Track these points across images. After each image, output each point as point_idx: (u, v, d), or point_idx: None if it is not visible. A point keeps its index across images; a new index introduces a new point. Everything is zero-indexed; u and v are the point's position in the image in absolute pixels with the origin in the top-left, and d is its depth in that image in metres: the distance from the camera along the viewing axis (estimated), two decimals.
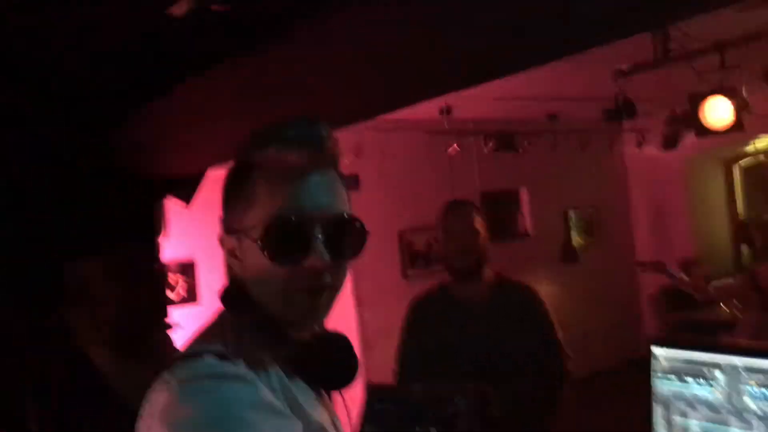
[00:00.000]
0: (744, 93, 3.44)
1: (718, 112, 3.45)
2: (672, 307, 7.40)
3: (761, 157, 7.75)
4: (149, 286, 2.54)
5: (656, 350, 1.51)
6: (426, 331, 2.41)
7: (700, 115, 3.50)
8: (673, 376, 1.48)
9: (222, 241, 1.06)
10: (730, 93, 3.42)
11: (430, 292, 2.52)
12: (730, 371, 1.37)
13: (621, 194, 8.29)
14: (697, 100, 3.53)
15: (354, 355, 1.06)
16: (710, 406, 1.39)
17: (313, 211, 0.99)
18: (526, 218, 7.41)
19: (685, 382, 1.45)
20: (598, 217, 7.96)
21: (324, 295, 1.02)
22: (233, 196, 1.04)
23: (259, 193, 1.00)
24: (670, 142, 7.33)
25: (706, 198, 8.07)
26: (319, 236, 0.98)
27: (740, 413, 1.34)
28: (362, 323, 5.95)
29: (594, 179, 7.85)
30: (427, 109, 5.73)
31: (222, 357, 0.92)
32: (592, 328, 7.09)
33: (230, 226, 1.04)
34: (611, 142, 7.23)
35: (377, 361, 2.50)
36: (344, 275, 1.05)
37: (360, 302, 5.97)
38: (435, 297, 2.48)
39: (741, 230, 7.58)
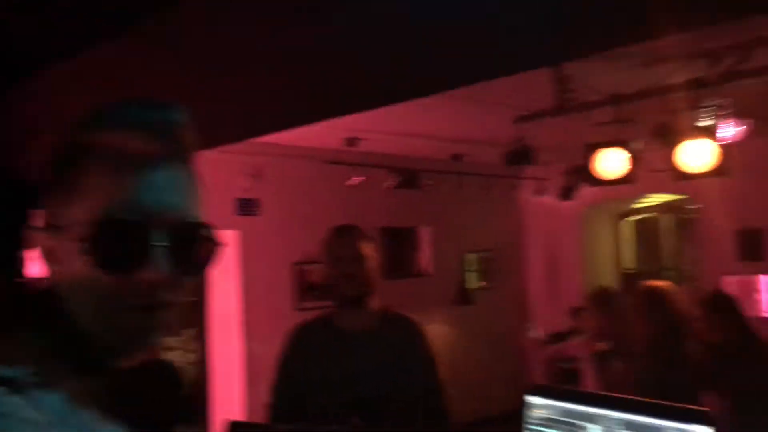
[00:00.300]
0: (636, 147, 3.53)
1: (610, 163, 3.52)
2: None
3: (649, 213, 8.10)
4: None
5: (530, 399, 1.43)
6: (306, 361, 2.26)
7: (593, 165, 3.56)
8: (545, 429, 1.39)
9: (36, 240, 0.85)
10: (623, 146, 3.50)
11: (312, 320, 2.38)
12: (608, 427, 1.30)
13: (518, 241, 8.44)
14: (591, 150, 3.59)
15: (181, 390, 0.89)
16: None
17: (155, 212, 0.81)
18: (425, 257, 7.39)
19: None
20: (495, 262, 8.06)
21: (159, 315, 0.83)
22: (55, 184, 0.85)
23: (88, 183, 0.81)
24: (567, 193, 7.56)
25: (597, 249, 8.33)
26: (160, 243, 0.80)
27: None
28: (250, 356, 5.69)
29: (493, 224, 7.96)
30: (331, 139, 5.64)
31: (9, 387, 0.73)
32: (482, 372, 7.11)
33: (49, 222, 0.85)
34: (512, 188, 7.36)
35: (264, 396, 2.32)
36: (185, 292, 0.87)
37: (249, 334, 5.73)
38: (317, 325, 2.34)
39: (627, 282, 7.85)
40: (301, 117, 2.01)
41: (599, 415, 1.30)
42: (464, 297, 7.54)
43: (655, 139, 3.40)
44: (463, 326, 7.44)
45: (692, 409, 1.17)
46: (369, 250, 2.26)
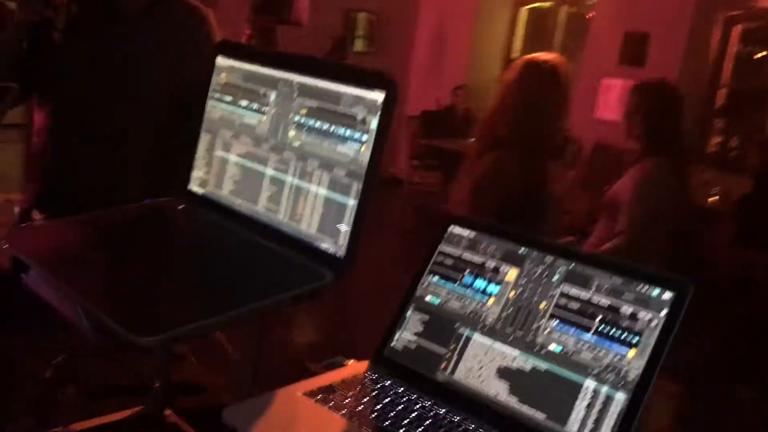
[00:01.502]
0: None
1: None
2: (428, 133, 7.45)
3: (548, 4, 7.72)
4: None
5: (220, 61, 1.13)
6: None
7: None
8: (228, 96, 1.11)
9: None
10: None
11: None
12: (285, 93, 1.02)
13: (410, 7, 7.92)
14: None
15: None
16: (255, 137, 1.05)
17: None
18: (303, 4, 6.78)
19: (238, 105, 1.08)
20: (380, 26, 7.59)
21: None
22: None
23: None
24: None
25: (489, 32, 7.99)
26: None
27: (281, 150, 1.01)
28: None
29: None
30: None
31: None
32: None
33: None
34: None
35: None
36: None
37: None
38: None
39: None
40: None
41: (279, 79, 1.02)
42: (338, 56, 7.12)
43: None
44: None
45: (368, 72, 0.91)
46: None
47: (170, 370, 1.12)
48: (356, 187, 0.91)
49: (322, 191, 0.95)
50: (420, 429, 0.75)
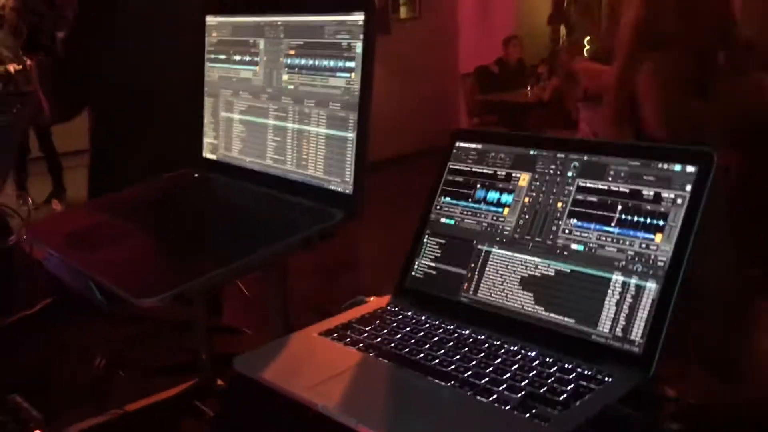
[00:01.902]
0: None
1: None
2: (484, 88, 7.27)
3: None
4: None
5: (209, 20, 1.10)
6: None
7: None
8: (222, 54, 1.08)
9: None
10: None
11: None
12: (272, 37, 0.98)
13: None
14: None
15: None
16: (252, 90, 1.02)
17: None
18: None
19: (232, 61, 1.05)
20: None
21: None
22: None
23: None
24: None
25: None
26: None
27: (278, 97, 0.98)
28: None
29: None
30: None
31: None
32: (403, 106, 6.83)
33: None
34: None
35: None
36: None
37: None
38: None
39: (559, 11, 7.36)
40: None
41: (264, 24, 0.98)
42: (382, 26, 7.03)
43: None
44: (382, 59, 7.01)
45: None
46: None
47: (224, 343, 1.11)
48: (353, 118, 0.87)
49: (322, 130, 0.91)
50: (441, 351, 0.71)
